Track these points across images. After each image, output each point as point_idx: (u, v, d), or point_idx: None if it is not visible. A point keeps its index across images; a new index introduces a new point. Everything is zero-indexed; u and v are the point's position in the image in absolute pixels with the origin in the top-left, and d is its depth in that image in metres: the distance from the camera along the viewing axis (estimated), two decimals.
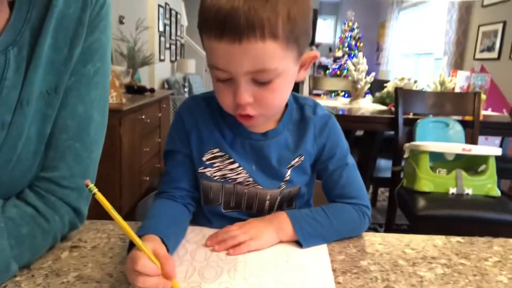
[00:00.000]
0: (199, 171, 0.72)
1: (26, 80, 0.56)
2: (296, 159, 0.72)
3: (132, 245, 0.55)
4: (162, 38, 5.45)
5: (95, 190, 0.48)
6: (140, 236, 0.56)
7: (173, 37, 6.18)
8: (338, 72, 6.33)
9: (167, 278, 0.50)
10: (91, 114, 0.63)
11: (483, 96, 2.30)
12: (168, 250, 0.57)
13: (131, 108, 2.42)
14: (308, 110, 0.73)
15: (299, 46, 0.60)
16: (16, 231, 0.55)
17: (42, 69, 0.58)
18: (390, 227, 2.11)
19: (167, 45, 5.86)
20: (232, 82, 0.60)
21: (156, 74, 5.28)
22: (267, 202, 0.73)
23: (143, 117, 2.76)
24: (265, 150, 0.71)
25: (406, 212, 1.83)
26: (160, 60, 5.46)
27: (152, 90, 3.23)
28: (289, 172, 0.72)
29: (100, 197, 0.48)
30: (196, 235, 0.69)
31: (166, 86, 5.72)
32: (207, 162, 0.71)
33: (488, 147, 1.77)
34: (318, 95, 3.95)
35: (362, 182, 0.75)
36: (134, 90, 3.08)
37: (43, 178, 0.61)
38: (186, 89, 6.03)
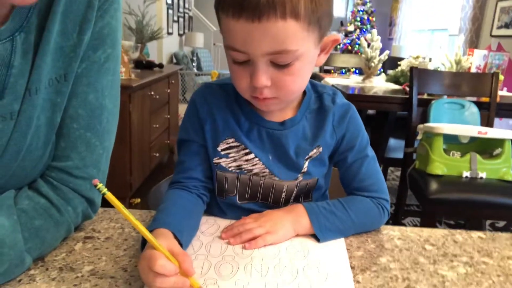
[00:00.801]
0: (214, 161, 0.70)
1: (34, 67, 0.54)
2: (314, 151, 0.70)
3: (145, 240, 0.54)
4: (170, 11, 5.35)
5: (105, 190, 0.47)
6: (152, 230, 0.55)
7: (181, 10, 6.06)
8: (350, 47, 6.19)
9: (187, 275, 0.49)
10: (102, 102, 0.61)
11: (501, 77, 2.23)
12: (181, 245, 0.56)
13: (140, 84, 2.40)
14: (327, 99, 0.70)
15: (321, 28, 0.57)
16: (29, 223, 0.54)
17: (51, 56, 0.55)
18: (400, 209, 2.09)
19: (175, 18, 5.76)
20: (250, 64, 0.57)
21: (164, 48, 5.21)
22: (284, 194, 0.71)
23: (152, 93, 2.73)
24: (283, 139, 0.68)
25: (418, 195, 1.80)
26: (168, 34, 5.38)
27: (160, 66, 3.19)
28: (306, 163, 0.70)
29: (111, 197, 0.47)
30: (211, 226, 0.68)
31: (174, 60, 5.66)
32: (222, 152, 0.69)
33: (505, 131, 1.72)
34: (329, 71, 3.88)
35: (382, 174, 0.72)
36: (143, 65, 3.03)
37: (56, 168, 0.59)
38: (194, 64, 5.96)
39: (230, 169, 0.70)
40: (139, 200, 2.54)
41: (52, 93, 0.57)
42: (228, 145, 0.69)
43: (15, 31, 0.53)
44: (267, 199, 0.73)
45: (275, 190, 0.71)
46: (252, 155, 0.69)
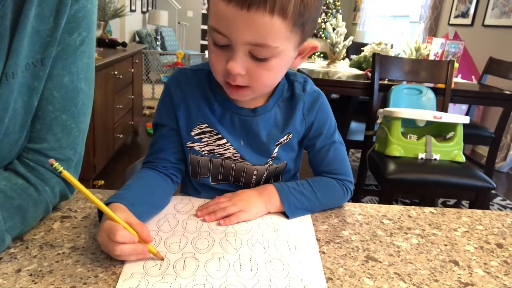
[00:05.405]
0: (188, 145, 0.73)
1: (11, 51, 0.54)
2: (285, 137, 0.73)
3: (101, 213, 0.57)
4: None
5: (61, 168, 0.50)
6: (108, 204, 0.58)
7: None
8: (315, 32, 6.25)
9: (145, 242, 0.54)
10: (78, 85, 0.62)
11: (456, 65, 2.36)
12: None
13: (103, 63, 2.34)
14: (298, 87, 0.73)
15: (304, 32, 0.59)
16: (8, 203, 0.55)
17: (28, 40, 0.55)
18: (360, 188, 2.20)
19: None
20: (229, 50, 0.58)
21: (126, 25, 5.05)
22: (254, 176, 0.76)
23: (116, 72, 2.67)
24: (254, 126, 0.71)
25: (377, 175, 1.91)
26: (131, 11, 5.22)
27: (124, 44, 3.11)
28: (276, 149, 0.74)
29: (67, 175, 0.51)
30: (186, 205, 0.71)
31: (137, 39, 5.51)
32: (196, 137, 0.72)
33: (458, 116, 1.84)
34: None
35: (347, 158, 0.78)
36: (106, 43, 2.95)
37: (32, 150, 0.60)
38: (158, 43, 5.83)
39: (203, 153, 0.73)
40: (102, 182, 2.51)
41: (28, 77, 0.57)
42: (201, 130, 0.72)
43: None
44: (238, 181, 0.76)
45: (246, 173, 0.75)
46: (224, 140, 0.72)
